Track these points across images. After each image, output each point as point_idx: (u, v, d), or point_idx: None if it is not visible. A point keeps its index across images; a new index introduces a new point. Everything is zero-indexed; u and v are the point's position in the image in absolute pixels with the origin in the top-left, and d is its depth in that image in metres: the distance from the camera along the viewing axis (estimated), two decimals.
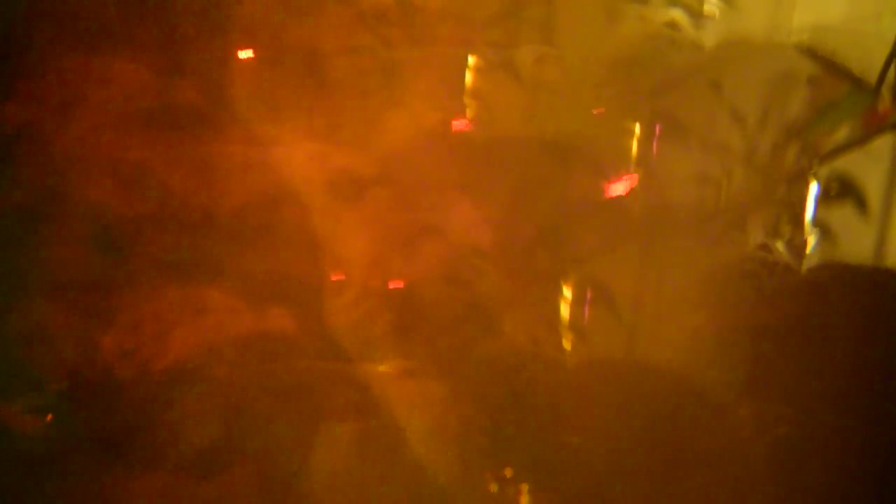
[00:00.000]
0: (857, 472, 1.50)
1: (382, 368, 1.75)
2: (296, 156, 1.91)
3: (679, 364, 1.70)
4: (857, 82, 1.88)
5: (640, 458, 1.59)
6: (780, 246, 1.93)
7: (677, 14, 2.05)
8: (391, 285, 1.84)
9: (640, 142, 1.96)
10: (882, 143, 1.93)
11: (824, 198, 1.93)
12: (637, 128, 1.95)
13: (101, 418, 1.70)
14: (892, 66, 1.88)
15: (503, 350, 1.80)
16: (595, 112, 2.00)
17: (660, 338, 1.81)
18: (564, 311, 1.86)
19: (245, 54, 1.89)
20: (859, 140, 1.92)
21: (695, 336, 1.74)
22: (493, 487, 1.64)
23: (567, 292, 1.88)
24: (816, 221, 1.92)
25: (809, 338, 1.64)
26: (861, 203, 1.94)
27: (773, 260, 1.88)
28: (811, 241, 1.92)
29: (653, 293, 1.85)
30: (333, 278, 1.84)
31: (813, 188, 1.93)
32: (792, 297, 1.76)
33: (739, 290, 1.80)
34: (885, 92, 1.89)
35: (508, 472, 1.64)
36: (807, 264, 1.91)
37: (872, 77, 1.89)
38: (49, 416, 1.71)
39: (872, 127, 1.91)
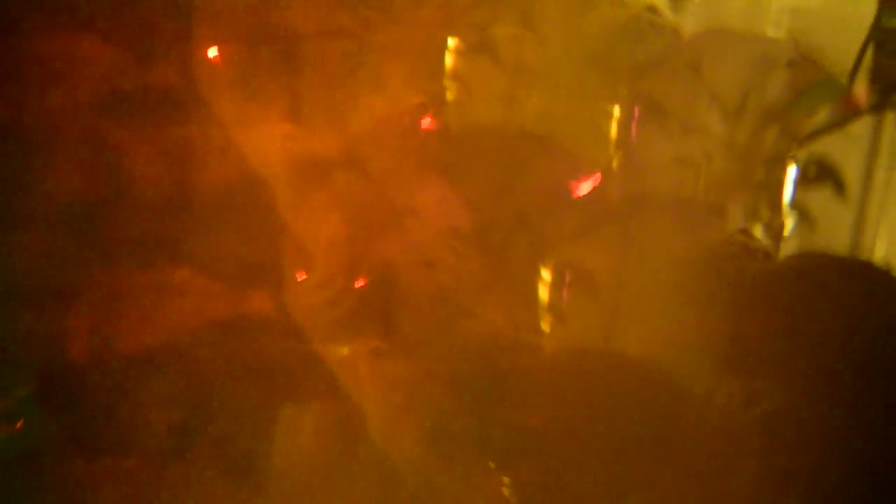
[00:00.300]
0: (836, 447, 1.51)
1: (351, 349, 1.74)
2: (272, 139, 1.90)
3: (658, 345, 1.70)
4: (835, 65, 1.89)
5: (617, 440, 1.59)
6: (758, 230, 1.94)
7: None
8: (369, 268, 1.84)
9: (619, 125, 1.96)
10: (860, 126, 1.94)
11: (803, 181, 1.94)
12: (616, 111, 1.95)
13: (69, 409, 1.68)
14: (870, 49, 1.89)
15: (479, 332, 1.80)
16: (575, 96, 2.00)
17: (639, 320, 1.81)
18: (543, 294, 1.86)
19: (222, 36, 1.88)
20: (837, 123, 1.93)
21: (675, 318, 1.74)
22: (461, 470, 1.63)
23: (546, 275, 1.88)
24: (795, 204, 1.93)
25: (789, 320, 1.65)
26: (839, 186, 1.95)
27: (753, 245, 1.89)
28: (789, 223, 1.93)
29: (633, 276, 1.85)
30: (309, 260, 1.83)
31: (791, 171, 1.93)
32: (772, 280, 1.77)
33: (720, 273, 1.80)
34: (863, 75, 1.90)
35: (477, 455, 1.63)
36: (785, 247, 1.92)
37: (850, 60, 1.89)
38: (20, 424, 1.69)
39: (850, 110, 1.92)
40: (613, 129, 1.96)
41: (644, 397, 1.61)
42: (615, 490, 1.55)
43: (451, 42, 1.97)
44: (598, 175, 1.95)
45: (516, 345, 1.78)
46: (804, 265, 1.74)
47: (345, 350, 1.76)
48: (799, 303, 1.64)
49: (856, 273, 1.72)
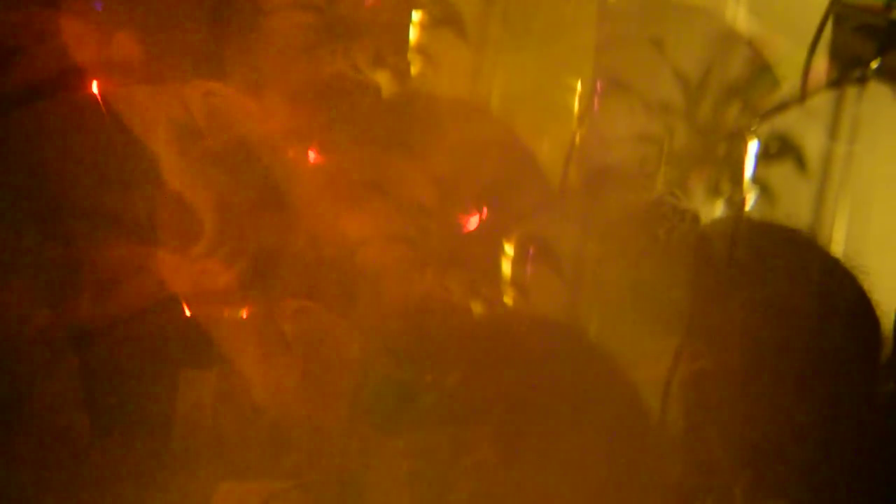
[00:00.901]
0: (768, 404, 1.55)
1: (277, 309, 1.73)
2: (236, 113, 1.90)
3: (595, 307, 1.72)
4: (795, 40, 1.91)
5: (544, 400, 1.60)
6: (720, 205, 1.96)
7: None
8: (326, 241, 1.84)
9: (581, 101, 1.97)
10: (820, 101, 1.96)
11: (764, 156, 1.95)
12: (579, 85, 1.96)
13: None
14: (829, 23, 1.90)
15: (414, 295, 1.79)
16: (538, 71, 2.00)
17: (588, 288, 1.82)
18: (505, 267, 1.87)
19: (184, 8, 1.88)
20: (798, 99, 1.94)
21: (610, 280, 1.75)
22: (386, 430, 1.63)
23: (508, 249, 1.88)
24: (756, 179, 1.94)
25: (718, 281, 1.68)
26: (800, 161, 1.96)
27: (682, 207, 1.89)
28: (750, 198, 1.94)
29: (592, 249, 1.86)
30: (264, 228, 1.82)
31: (753, 146, 1.95)
32: (700, 242, 1.79)
33: (650, 235, 1.82)
34: (823, 50, 1.91)
35: (403, 415, 1.63)
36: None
37: (810, 35, 1.91)
38: None
39: (811, 85, 1.93)
40: (576, 105, 1.96)
41: (574, 357, 1.63)
42: (541, 450, 1.56)
43: (416, 15, 1.96)
44: (562, 149, 1.96)
45: (447, 307, 1.78)
46: (732, 228, 1.77)
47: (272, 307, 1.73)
48: (726, 264, 1.66)
49: (782, 237, 1.75)
